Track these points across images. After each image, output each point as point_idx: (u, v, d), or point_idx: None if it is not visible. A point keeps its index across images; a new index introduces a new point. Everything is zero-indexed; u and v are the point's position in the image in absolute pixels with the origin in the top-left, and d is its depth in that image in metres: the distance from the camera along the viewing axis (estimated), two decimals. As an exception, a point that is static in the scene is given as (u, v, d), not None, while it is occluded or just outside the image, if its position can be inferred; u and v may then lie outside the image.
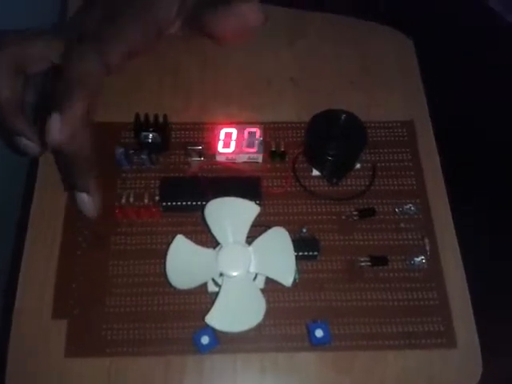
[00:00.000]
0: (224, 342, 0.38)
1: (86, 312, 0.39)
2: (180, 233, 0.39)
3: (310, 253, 0.40)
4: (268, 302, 0.37)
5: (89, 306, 0.39)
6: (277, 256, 0.38)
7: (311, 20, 0.52)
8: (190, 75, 0.49)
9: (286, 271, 0.38)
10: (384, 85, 0.49)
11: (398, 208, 0.42)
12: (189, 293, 0.39)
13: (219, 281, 0.38)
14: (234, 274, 0.36)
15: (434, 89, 0.50)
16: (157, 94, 0.48)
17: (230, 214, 0.38)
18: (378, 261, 0.40)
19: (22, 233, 0.41)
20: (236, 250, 0.37)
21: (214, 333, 0.37)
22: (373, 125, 0.46)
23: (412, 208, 0.41)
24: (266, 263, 0.38)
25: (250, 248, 0.37)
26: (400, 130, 0.47)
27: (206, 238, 0.41)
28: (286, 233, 0.38)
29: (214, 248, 0.39)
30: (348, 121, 0.43)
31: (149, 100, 0.47)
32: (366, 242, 0.41)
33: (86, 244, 0.41)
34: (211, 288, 0.39)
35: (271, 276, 0.37)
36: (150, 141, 0.43)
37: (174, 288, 0.37)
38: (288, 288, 0.37)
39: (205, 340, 0.37)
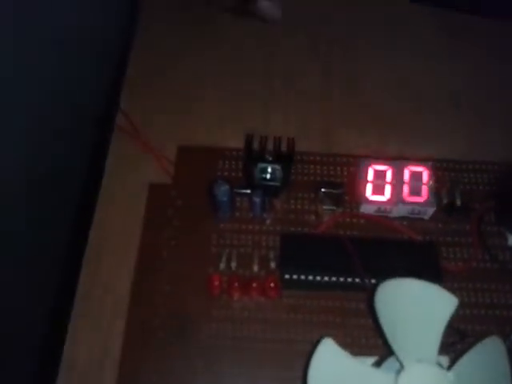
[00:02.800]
0: None
1: None
2: (313, 325, 0.24)
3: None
4: None
5: None
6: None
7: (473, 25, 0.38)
8: (311, 89, 0.35)
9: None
10: None
11: None
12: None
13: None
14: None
15: None
16: (262, 113, 0.34)
17: (415, 309, 0.23)
18: None
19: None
20: (429, 377, 0.22)
21: None
22: None
23: None
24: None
25: (452, 373, 0.22)
26: None
27: (363, 340, 0.26)
28: (504, 349, 0.23)
29: (379, 363, 0.23)
30: None
31: (251, 120, 0.33)
32: None
33: (163, 332, 0.26)
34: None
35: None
36: (268, 176, 0.28)
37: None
38: None
39: None
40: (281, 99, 0.34)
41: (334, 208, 0.29)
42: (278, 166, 0.28)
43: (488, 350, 0.23)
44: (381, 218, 0.29)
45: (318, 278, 0.27)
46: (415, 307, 0.23)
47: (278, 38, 0.36)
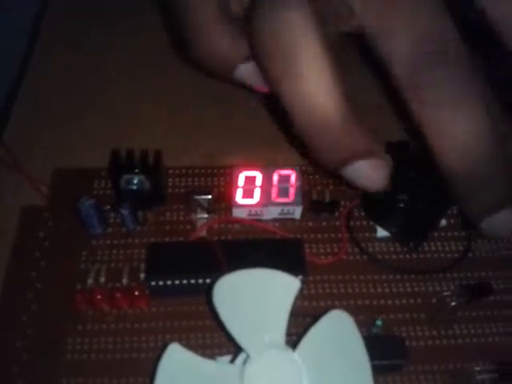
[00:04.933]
0: None
1: None
2: (181, 330, 0.24)
3: (392, 361, 0.25)
4: None
5: None
6: (342, 365, 0.22)
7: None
8: (195, 106, 0.36)
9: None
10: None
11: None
12: None
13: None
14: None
15: None
16: (150, 130, 0.35)
17: (254, 298, 0.23)
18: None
19: None
20: (274, 362, 0.22)
21: None
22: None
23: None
24: (326, 379, 0.22)
25: (297, 354, 0.22)
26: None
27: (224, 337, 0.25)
28: (351, 320, 0.23)
29: (233, 359, 0.23)
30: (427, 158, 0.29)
31: (137, 138, 0.34)
32: (483, 340, 0.26)
33: (27, 354, 0.25)
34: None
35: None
36: (134, 187, 0.29)
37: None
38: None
39: None
40: (166, 120, 0.35)
41: (208, 215, 0.30)
42: (143, 177, 0.28)
43: (332, 323, 0.23)
44: (253, 221, 0.30)
45: (185, 281, 0.27)
46: (256, 296, 0.23)
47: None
